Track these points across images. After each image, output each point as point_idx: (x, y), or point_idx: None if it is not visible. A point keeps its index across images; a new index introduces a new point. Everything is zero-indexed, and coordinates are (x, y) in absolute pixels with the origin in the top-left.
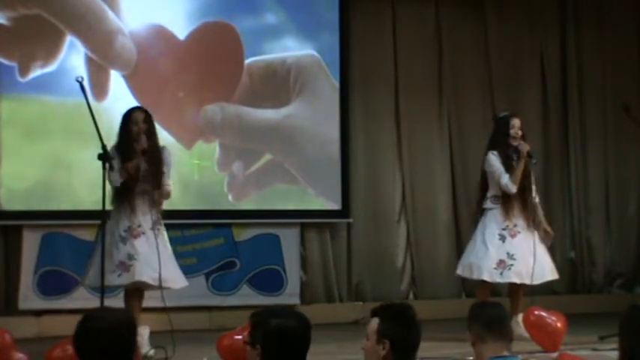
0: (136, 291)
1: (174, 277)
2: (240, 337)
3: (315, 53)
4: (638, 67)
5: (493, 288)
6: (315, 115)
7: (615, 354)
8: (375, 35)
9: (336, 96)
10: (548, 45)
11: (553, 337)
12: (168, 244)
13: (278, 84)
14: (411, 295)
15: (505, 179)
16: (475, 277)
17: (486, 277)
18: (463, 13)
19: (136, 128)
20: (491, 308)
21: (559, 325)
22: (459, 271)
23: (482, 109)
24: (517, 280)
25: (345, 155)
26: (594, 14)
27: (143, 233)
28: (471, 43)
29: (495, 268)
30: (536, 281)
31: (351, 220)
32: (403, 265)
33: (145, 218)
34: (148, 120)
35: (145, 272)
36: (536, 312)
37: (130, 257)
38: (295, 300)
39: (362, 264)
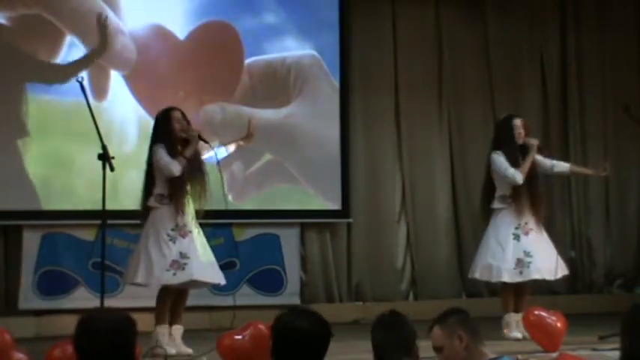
0: (172, 291)
1: (219, 273)
2: (240, 337)
3: (315, 53)
4: (638, 67)
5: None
6: (315, 115)
7: (615, 354)
8: (375, 35)
9: (336, 96)
10: (548, 45)
11: (553, 337)
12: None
13: (278, 84)
14: (411, 295)
15: (511, 170)
16: (494, 279)
17: (506, 279)
18: (463, 13)
19: (178, 126)
20: (465, 313)
21: (559, 325)
22: (477, 275)
23: (482, 109)
24: (538, 277)
25: (345, 155)
26: (594, 14)
27: (190, 232)
28: (471, 43)
29: (514, 268)
30: (558, 275)
31: (351, 220)
32: (403, 265)
33: (188, 217)
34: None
35: (199, 271)
36: (536, 312)
37: (183, 256)
38: (295, 300)
39: (362, 264)
